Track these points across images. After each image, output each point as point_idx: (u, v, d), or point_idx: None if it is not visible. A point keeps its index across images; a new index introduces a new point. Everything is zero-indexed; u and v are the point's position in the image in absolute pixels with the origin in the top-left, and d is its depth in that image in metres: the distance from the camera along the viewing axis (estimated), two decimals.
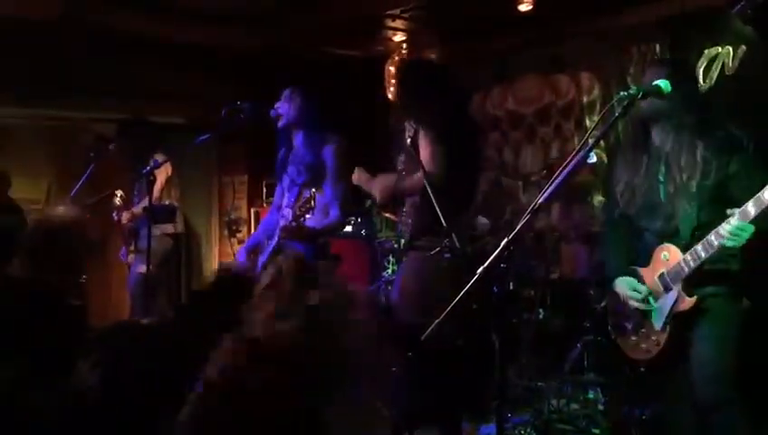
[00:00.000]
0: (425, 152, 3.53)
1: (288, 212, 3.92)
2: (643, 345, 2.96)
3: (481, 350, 3.76)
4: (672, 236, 2.83)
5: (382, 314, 5.17)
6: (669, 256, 2.83)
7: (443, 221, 3.40)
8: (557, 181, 2.14)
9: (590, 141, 2.59)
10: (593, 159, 4.80)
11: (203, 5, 5.41)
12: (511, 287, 4.55)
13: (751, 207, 2.54)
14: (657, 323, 2.88)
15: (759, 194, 2.53)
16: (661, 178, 2.85)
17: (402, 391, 3.72)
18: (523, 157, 6.21)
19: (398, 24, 5.78)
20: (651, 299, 2.90)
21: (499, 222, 5.07)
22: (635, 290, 2.91)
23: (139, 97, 6.03)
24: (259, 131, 4.21)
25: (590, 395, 4.29)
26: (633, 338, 3.00)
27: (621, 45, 5.40)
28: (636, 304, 2.92)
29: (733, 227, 2.58)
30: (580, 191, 4.86)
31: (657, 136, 2.88)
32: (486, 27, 5.74)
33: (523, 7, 5.26)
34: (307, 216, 3.70)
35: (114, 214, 5.48)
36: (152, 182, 3.99)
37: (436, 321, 2.20)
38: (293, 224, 3.72)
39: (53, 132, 7.27)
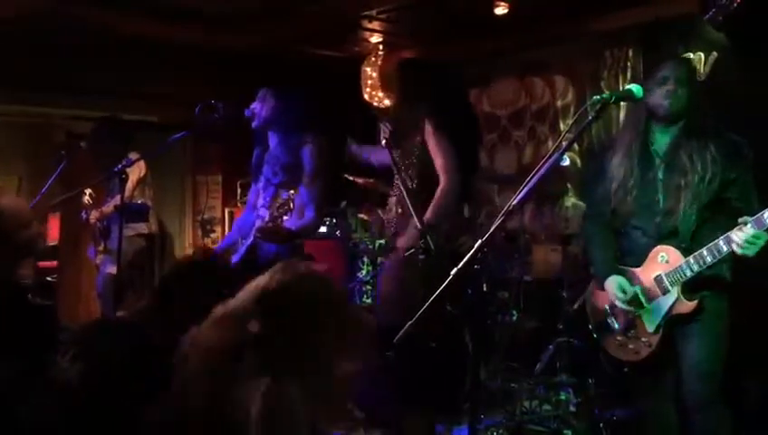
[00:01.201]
0: (442, 155, 3.61)
1: (264, 212, 3.90)
2: (631, 346, 2.92)
3: (454, 351, 3.77)
4: (668, 238, 2.80)
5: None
6: (668, 257, 2.79)
7: (417, 223, 3.42)
8: (530, 184, 2.15)
9: (564, 144, 2.48)
10: (566, 162, 4.85)
11: (179, 4, 5.36)
12: (484, 289, 4.57)
13: None
14: (650, 325, 2.86)
15: None
16: (660, 177, 2.83)
17: (378, 393, 3.73)
18: (498, 159, 6.24)
19: (375, 25, 5.79)
20: (643, 300, 2.87)
21: (474, 223, 5.10)
22: (623, 291, 2.87)
23: (112, 95, 5.96)
24: (234, 131, 4.18)
25: (563, 396, 4.32)
26: (619, 338, 2.97)
27: (595, 50, 5.46)
28: (622, 305, 2.88)
29: (748, 236, 2.55)
30: (551, 194, 4.89)
31: (658, 135, 2.87)
32: (462, 30, 5.76)
33: (499, 11, 5.29)
34: (285, 217, 3.69)
35: (83, 213, 5.41)
36: (124, 180, 3.94)
37: (409, 323, 2.20)
38: (270, 224, 3.71)
39: (24, 129, 7.16)
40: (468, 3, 5.20)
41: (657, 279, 2.82)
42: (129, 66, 6.01)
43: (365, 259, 5.63)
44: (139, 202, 5.49)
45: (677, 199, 2.77)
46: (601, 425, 3.99)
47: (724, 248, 2.63)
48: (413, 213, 3.38)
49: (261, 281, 1.59)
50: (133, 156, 5.00)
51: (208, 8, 5.48)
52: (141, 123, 6.28)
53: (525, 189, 2.14)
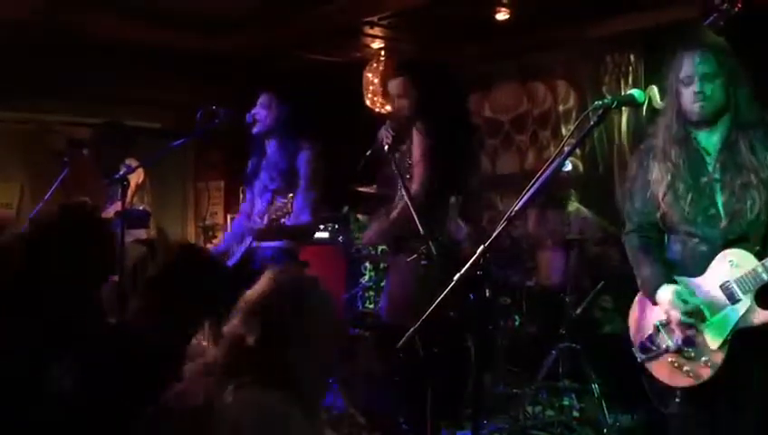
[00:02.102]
0: (422, 165, 3.58)
1: (260, 217, 3.90)
2: (687, 368, 2.50)
3: (457, 357, 3.76)
4: (735, 243, 2.47)
5: (358, 320, 5.17)
6: (739, 261, 2.44)
7: (420, 229, 3.41)
8: (533, 189, 2.14)
9: (566, 149, 2.39)
10: (569, 166, 4.84)
11: (180, 10, 5.38)
12: (487, 294, 4.56)
13: None
14: (715, 340, 2.46)
15: None
16: (718, 177, 2.51)
17: (380, 398, 3.72)
18: (500, 164, 6.24)
19: (377, 31, 5.79)
20: (707, 313, 2.49)
21: (476, 229, 5.09)
22: (683, 300, 2.48)
23: (112, 101, 5.97)
24: (235, 137, 4.19)
25: (566, 402, 4.32)
26: (672, 359, 2.54)
27: (597, 55, 5.46)
28: (680, 318, 2.48)
29: None
30: (555, 199, 4.89)
31: (703, 135, 2.57)
32: (464, 35, 5.77)
33: (500, 16, 5.29)
34: (283, 220, 3.70)
35: None
36: (126, 187, 3.95)
37: (412, 328, 2.19)
38: (264, 226, 3.73)
39: (26, 135, 7.17)
40: (470, 8, 5.20)
41: (725, 287, 2.47)
42: (130, 72, 6.02)
43: (367, 265, 5.63)
44: (140, 208, 5.49)
45: (742, 200, 2.45)
46: (605, 431, 3.98)
47: None
48: (415, 218, 3.37)
49: (251, 295, 1.70)
50: (132, 163, 5.00)
51: (209, 14, 5.50)
52: (143, 129, 6.28)
53: (528, 194, 2.13)
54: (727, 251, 2.47)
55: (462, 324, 3.75)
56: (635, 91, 2.50)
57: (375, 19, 5.51)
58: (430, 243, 3.37)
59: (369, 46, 6.18)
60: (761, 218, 2.44)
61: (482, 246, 2.13)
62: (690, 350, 2.50)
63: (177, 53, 6.03)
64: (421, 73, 3.82)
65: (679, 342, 2.52)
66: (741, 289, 2.44)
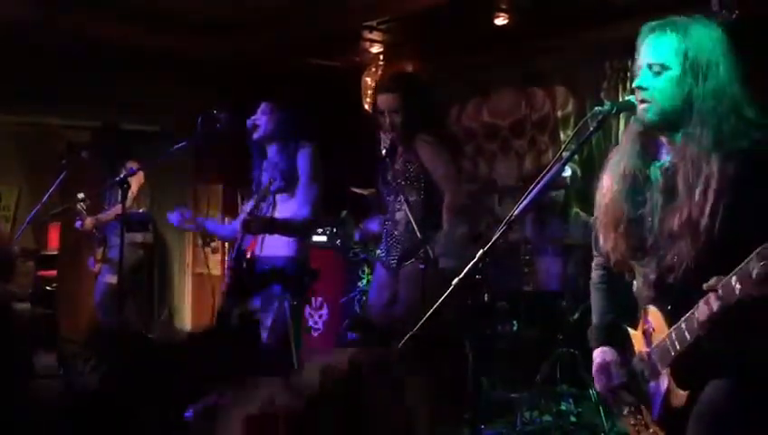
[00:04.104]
0: (442, 171, 3.60)
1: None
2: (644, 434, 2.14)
3: (454, 361, 3.76)
4: (668, 291, 1.96)
5: (358, 326, 5.17)
6: (655, 323, 1.99)
7: (418, 232, 3.43)
8: (531, 195, 2.14)
9: (565, 155, 2.37)
10: (568, 172, 4.85)
11: (180, 14, 5.38)
12: (485, 299, 4.57)
13: None
14: (653, 411, 2.05)
15: None
16: (656, 205, 2.02)
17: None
18: (498, 169, 6.25)
19: (375, 35, 5.81)
20: (639, 380, 2.09)
21: (474, 234, 5.09)
22: (607, 371, 2.14)
23: (112, 105, 5.98)
24: (234, 141, 4.19)
25: (563, 407, 4.32)
26: (632, 422, 2.16)
27: (595, 61, 5.48)
28: (613, 391, 2.14)
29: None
30: (553, 204, 4.90)
31: (663, 149, 2.07)
32: (463, 40, 5.78)
33: (499, 21, 5.31)
34: (271, 210, 3.72)
35: (77, 221, 5.37)
36: (126, 190, 3.95)
37: (410, 333, 2.19)
38: (249, 216, 3.75)
39: (24, 139, 7.18)
40: (469, 13, 5.22)
41: (647, 355, 2.04)
42: (129, 76, 6.03)
43: (365, 269, 5.63)
44: (141, 211, 5.49)
45: (672, 236, 1.91)
46: None
47: (704, 316, 1.76)
48: (414, 226, 3.38)
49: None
50: (133, 166, 5.01)
51: (208, 18, 5.51)
52: (142, 133, 6.29)
53: (526, 200, 2.13)
54: (647, 309, 2.02)
55: (460, 329, 3.75)
56: (633, 98, 2.51)
57: (374, 24, 5.52)
58: (428, 248, 3.38)
59: (368, 51, 6.20)
60: (691, 260, 1.86)
61: (481, 251, 2.13)
62: (641, 416, 2.12)
63: (177, 56, 6.04)
64: (408, 87, 3.84)
65: (629, 407, 2.16)
66: (659, 361, 1.98)
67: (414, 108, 3.71)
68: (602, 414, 4.01)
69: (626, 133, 2.17)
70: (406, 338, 2.21)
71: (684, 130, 1.93)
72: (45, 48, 5.59)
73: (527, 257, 4.80)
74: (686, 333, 1.84)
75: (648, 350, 2.03)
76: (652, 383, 2.03)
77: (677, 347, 1.88)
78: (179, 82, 6.24)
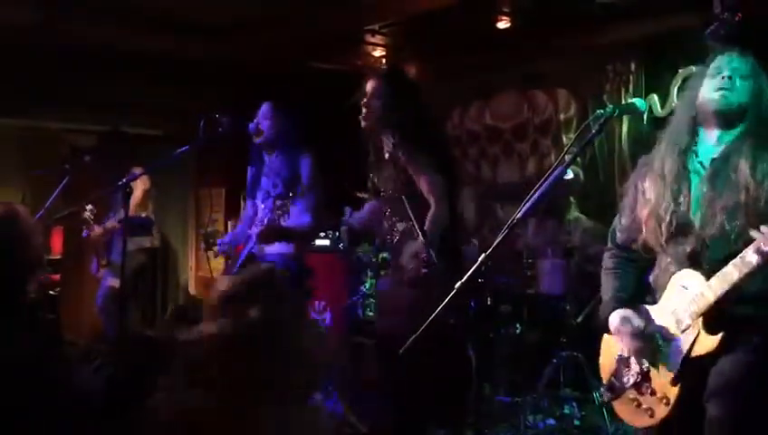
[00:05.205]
0: (426, 183, 3.47)
1: (264, 221, 3.91)
2: (645, 405, 2.29)
3: (458, 365, 3.76)
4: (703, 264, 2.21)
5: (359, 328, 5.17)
6: (689, 284, 2.21)
7: (420, 234, 3.41)
8: (534, 198, 2.14)
9: (567, 159, 2.33)
10: (570, 175, 4.85)
11: (181, 18, 5.39)
12: (488, 302, 4.56)
13: None
14: (668, 374, 2.23)
15: None
16: (699, 192, 2.28)
17: (381, 406, 3.71)
18: (501, 172, 6.25)
19: (378, 39, 5.81)
20: (660, 342, 2.27)
21: (477, 238, 5.10)
22: (629, 322, 2.29)
23: (115, 109, 5.99)
24: (236, 144, 4.20)
25: (567, 410, 4.31)
26: (632, 395, 2.33)
27: (598, 64, 5.47)
28: (631, 341, 2.29)
29: None
30: (555, 208, 4.89)
31: (708, 143, 2.33)
32: (465, 43, 5.78)
33: (502, 24, 5.31)
34: (281, 219, 3.72)
35: (84, 230, 5.36)
36: (129, 194, 3.94)
37: (413, 336, 2.19)
38: (265, 226, 3.75)
39: (28, 143, 7.18)
40: (471, 17, 5.22)
41: (674, 313, 2.25)
42: (132, 80, 6.04)
43: (368, 272, 5.62)
44: (143, 216, 5.49)
45: (719, 222, 2.17)
46: None
47: (754, 260, 2.04)
48: (416, 228, 3.36)
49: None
50: (137, 170, 5.01)
51: (209, 22, 5.51)
52: (145, 137, 6.30)
53: (529, 203, 2.13)
54: (679, 274, 2.24)
55: (463, 332, 3.74)
56: (636, 100, 2.50)
57: (376, 27, 5.53)
58: (431, 250, 3.37)
59: (370, 54, 6.20)
60: (729, 238, 2.15)
61: (483, 255, 2.13)
62: (648, 384, 2.28)
63: (178, 60, 6.05)
64: (395, 78, 3.73)
65: (635, 378, 2.32)
66: (689, 315, 2.20)
67: (394, 97, 3.58)
68: (606, 417, 4.00)
69: (663, 137, 2.41)
70: (409, 341, 2.21)
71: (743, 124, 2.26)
72: (47, 53, 5.60)
73: (530, 260, 4.80)
74: (734, 273, 2.07)
75: (675, 307, 2.23)
76: (675, 340, 2.22)
77: (717, 293, 2.11)
78: (180, 85, 6.24)
